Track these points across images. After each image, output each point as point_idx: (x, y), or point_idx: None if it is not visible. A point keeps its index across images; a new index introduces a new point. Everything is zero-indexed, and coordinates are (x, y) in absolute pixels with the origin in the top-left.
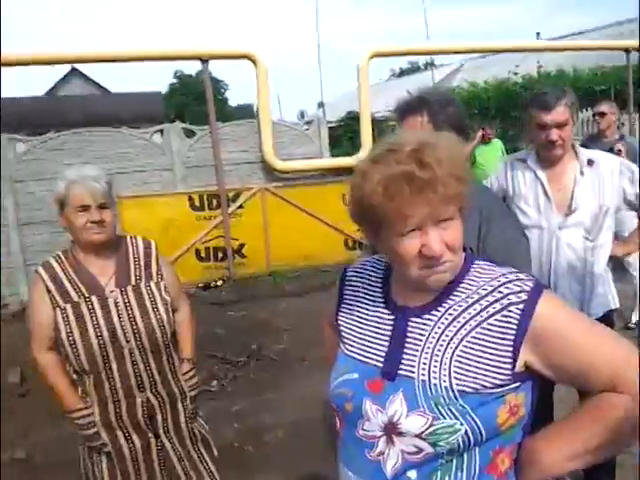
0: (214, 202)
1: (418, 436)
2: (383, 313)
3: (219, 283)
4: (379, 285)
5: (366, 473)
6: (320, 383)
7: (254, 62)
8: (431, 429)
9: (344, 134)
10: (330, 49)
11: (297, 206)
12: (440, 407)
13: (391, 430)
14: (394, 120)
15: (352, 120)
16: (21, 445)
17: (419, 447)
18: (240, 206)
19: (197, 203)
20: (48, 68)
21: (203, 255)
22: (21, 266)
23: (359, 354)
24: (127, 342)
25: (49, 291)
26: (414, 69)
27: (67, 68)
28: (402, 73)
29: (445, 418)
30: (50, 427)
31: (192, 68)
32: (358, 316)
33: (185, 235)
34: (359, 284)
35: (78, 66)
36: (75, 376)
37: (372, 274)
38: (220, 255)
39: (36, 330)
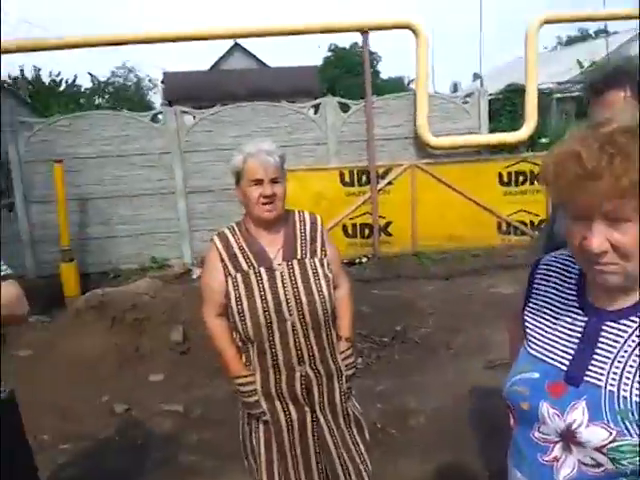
0: (364, 178)
1: (598, 449)
2: (575, 313)
3: (364, 260)
4: (573, 282)
5: (536, 477)
6: (465, 372)
7: (415, 32)
8: (614, 444)
9: (503, 108)
10: (488, 16)
11: (448, 184)
12: (627, 422)
13: (569, 438)
14: (560, 93)
15: (512, 93)
16: (180, 399)
17: (598, 461)
18: (389, 183)
19: (347, 179)
20: (212, 44)
21: (350, 231)
22: (186, 231)
23: (542, 353)
24: (290, 315)
25: (222, 260)
26: (584, 37)
27: (230, 43)
28: (570, 41)
29: (632, 436)
30: (208, 385)
31: (346, 41)
32: (547, 313)
33: (334, 210)
34: (552, 278)
35: (240, 41)
36: (240, 344)
37: (568, 268)
38: (366, 232)
39: (208, 295)
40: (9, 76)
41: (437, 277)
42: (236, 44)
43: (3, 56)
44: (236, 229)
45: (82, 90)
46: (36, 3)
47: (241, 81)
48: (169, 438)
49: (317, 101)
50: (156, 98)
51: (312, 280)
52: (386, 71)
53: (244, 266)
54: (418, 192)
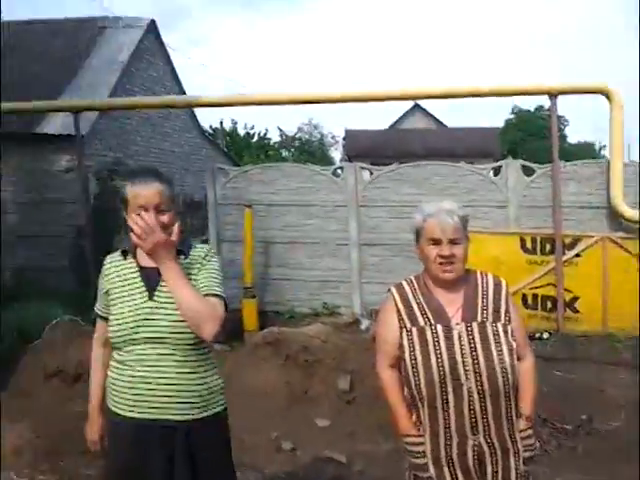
0: (547, 247)
1: None
2: None
3: (545, 335)
4: None
5: None
6: None
7: (609, 97)
8: None
9: None
10: None
11: None
12: None
13: None
14: None
15: None
16: (343, 448)
17: None
18: (577, 254)
19: (529, 245)
20: (393, 103)
21: (530, 302)
22: (357, 282)
23: None
24: (467, 379)
25: (398, 311)
26: None
27: (410, 104)
28: None
29: None
30: (371, 440)
31: (531, 103)
32: None
33: (513, 277)
34: None
35: (420, 101)
36: (411, 400)
37: None
38: (549, 305)
39: (381, 346)
40: (210, 127)
41: (631, 365)
42: (416, 105)
43: (207, 109)
44: (415, 283)
45: (271, 143)
46: (234, 63)
47: (419, 140)
48: None
49: (499, 163)
50: (336, 154)
51: (493, 346)
52: (573, 135)
53: (420, 321)
54: (610, 268)
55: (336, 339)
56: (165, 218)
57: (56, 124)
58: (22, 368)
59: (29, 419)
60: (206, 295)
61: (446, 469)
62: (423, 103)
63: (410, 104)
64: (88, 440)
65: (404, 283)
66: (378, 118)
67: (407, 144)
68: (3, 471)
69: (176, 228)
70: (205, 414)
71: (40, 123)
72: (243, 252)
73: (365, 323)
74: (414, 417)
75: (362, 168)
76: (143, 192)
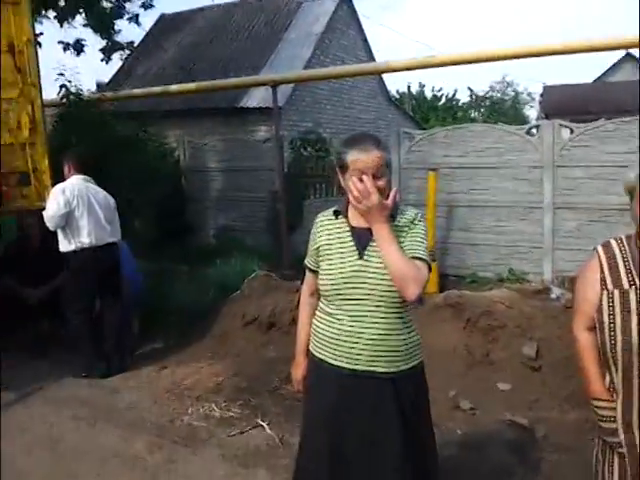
0: None
1: None
2: None
3: None
4: None
5: None
6: None
7: None
8: None
9: None
10: None
11: None
12: None
13: None
14: None
15: None
16: (525, 414)
17: None
18: None
19: None
20: (600, 55)
21: None
22: (549, 248)
23: None
24: None
25: (602, 271)
26: None
27: (621, 54)
28: None
29: None
30: (556, 408)
31: None
32: None
33: None
34: None
35: (633, 51)
36: (604, 362)
37: None
38: None
39: (580, 305)
40: (397, 92)
41: None
42: (628, 54)
43: (396, 74)
44: (624, 242)
45: (459, 104)
46: (424, 26)
47: (630, 93)
48: (511, 448)
49: None
50: (531, 112)
51: None
52: None
53: (624, 283)
54: None
55: (522, 305)
56: (381, 183)
57: (257, 98)
58: (223, 316)
59: (228, 360)
60: (412, 258)
61: (638, 435)
62: (637, 52)
63: (620, 55)
64: (293, 379)
65: (612, 242)
66: (581, 73)
67: (614, 98)
68: (206, 402)
69: (393, 193)
70: (407, 366)
71: (243, 98)
72: (425, 215)
73: (556, 292)
74: (607, 381)
75: (561, 126)
76: (363, 158)
